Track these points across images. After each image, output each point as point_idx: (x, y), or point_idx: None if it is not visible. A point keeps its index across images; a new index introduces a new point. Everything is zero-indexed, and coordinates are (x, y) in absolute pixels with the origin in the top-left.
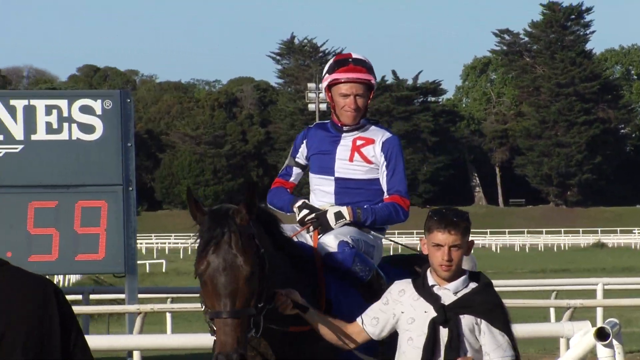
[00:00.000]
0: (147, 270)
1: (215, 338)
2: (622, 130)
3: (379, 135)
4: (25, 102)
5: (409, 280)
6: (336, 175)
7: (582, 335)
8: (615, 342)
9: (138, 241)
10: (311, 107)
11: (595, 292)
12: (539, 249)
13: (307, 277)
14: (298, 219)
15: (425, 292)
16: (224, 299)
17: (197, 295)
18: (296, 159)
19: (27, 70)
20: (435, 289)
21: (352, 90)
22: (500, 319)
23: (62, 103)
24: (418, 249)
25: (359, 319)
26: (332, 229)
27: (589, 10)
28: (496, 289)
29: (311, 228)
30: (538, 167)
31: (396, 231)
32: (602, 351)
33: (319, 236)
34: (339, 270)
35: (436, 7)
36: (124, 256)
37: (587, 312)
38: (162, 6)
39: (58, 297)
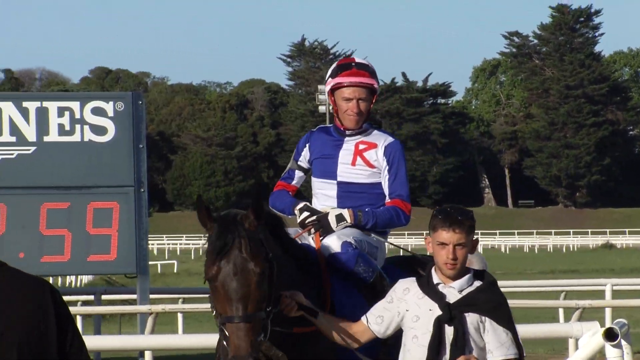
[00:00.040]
0: (159, 271)
1: (219, 341)
2: (631, 132)
3: (381, 139)
4: (37, 104)
5: (413, 278)
6: (339, 179)
7: (590, 336)
8: (623, 343)
9: (149, 242)
10: (322, 109)
11: (604, 292)
12: (548, 249)
13: (312, 279)
14: (299, 221)
15: (430, 290)
16: (236, 304)
17: (208, 295)
18: (299, 162)
19: (39, 73)
20: (440, 287)
21: (355, 94)
22: (505, 317)
23: (75, 105)
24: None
25: (363, 318)
26: (334, 231)
27: (597, 12)
28: (505, 289)
29: (312, 230)
30: (547, 168)
31: (405, 232)
32: (610, 351)
33: (320, 238)
34: (342, 271)
35: (446, 9)
36: (135, 257)
37: (595, 312)
38: (173, 9)
39: (55, 297)
